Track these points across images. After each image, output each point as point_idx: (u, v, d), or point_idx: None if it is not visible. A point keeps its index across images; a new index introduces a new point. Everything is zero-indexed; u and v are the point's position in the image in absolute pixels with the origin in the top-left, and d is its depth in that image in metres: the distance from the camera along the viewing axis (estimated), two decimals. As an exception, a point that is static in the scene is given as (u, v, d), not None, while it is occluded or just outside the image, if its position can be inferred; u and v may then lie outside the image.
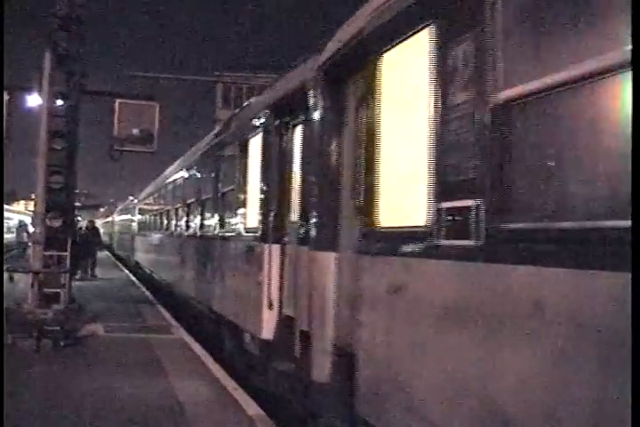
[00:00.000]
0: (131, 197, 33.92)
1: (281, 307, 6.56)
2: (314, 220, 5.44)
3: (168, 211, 15.77)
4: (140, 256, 22.41)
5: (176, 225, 14.25)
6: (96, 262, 22.01)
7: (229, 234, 8.79)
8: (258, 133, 7.49)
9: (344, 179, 5.07)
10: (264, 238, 6.91)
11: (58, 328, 9.01)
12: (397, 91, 4.12)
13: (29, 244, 14.03)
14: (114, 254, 37.52)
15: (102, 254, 29.67)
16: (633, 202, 2.03)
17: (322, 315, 5.12)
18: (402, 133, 4.04)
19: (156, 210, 18.81)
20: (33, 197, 12.54)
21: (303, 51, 6.67)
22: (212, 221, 10.09)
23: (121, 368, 7.60)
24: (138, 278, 21.36)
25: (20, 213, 43.87)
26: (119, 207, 40.94)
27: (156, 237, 18.24)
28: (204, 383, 7.12)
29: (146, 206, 22.51)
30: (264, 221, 7.00)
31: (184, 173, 13.50)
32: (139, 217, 24.66)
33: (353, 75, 4.95)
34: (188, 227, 12.53)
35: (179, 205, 13.79)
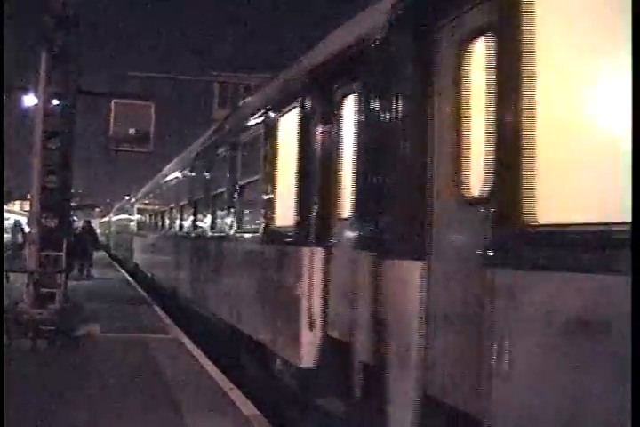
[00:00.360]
0: (127, 197, 33.80)
1: (326, 327, 5.28)
2: (380, 216, 4.25)
3: (171, 209, 14.33)
4: (140, 258, 21.13)
5: (180, 224, 12.85)
6: (92, 263, 21.95)
7: (252, 234, 7.40)
8: (292, 109, 6.12)
9: (436, 161, 3.78)
10: (302, 240, 5.60)
11: (53, 328, 8.99)
12: (572, 12, 2.74)
13: (25, 244, 14.01)
14: (110, 255, 37.42)
15: (99, 254, 29.59)
16: (633, 201, 2.01)
17: (401, 347, 3.87)
18: (593, 77, 2.65)
19: (158, 208, 17.34)
20: (29, 197, 12.52)
21: (301, 51, 6.62)
22: (228, 219, 8.59)
23: (116, 373, 7.56)
24: (135, 279, 21.23)
25: (15, 212, 43.77)
26: (116, 207, 40.83)
27: (157, 237, 16.83)
28: (203, 385, 7.09)
29: (146, 205, 21.10)
30: (302, 217, 5.68)
31: (191, 166, 12.13)
32: (138, 216, 23.52)
33: (458, 5, 3.58)
34: (195, 226, 11.17)
35: (184, 202, 12.42)
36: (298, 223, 5.76)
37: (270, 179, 6.71)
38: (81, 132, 13.53)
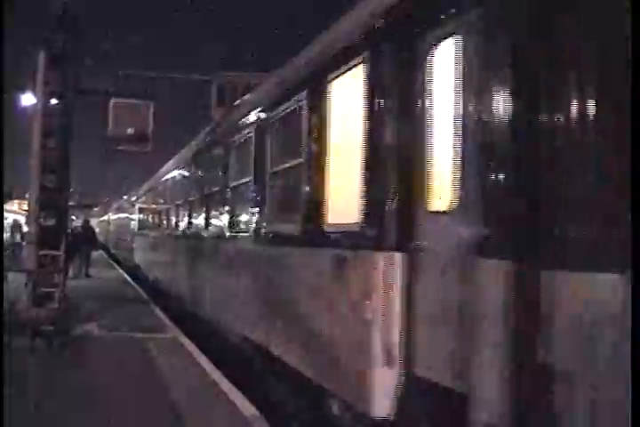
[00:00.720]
0: (125, 196, 33.63)
1: (412, 365, 3.90)
2: (529, 209, 2.97)
3: (178, 206, 12.95)
4: (142, 260, 19.82)
5: (189, 223, 11.48)
6: (90, 263, 21.94)
7: (289, 234, 5.91)
8: (351, 69, 4.71)
9: None
10: (373, 242, 4.21)
11: (52, 327, 8.99)
12: None
13: (23, 243, 14.00)
14: (109, 254, 37.33)
15: (97, 254, 29.57)
16: (633, 202, 2.00)
17: (601, 412, 2.53)
18: None
19: (163, 206, 15.79)
20: (27, 196, 12.51)
21: (297, 50, 6.58)
22: (253, 215, 7.03)
23: (114, 373, 7.56)
24: (135, 280, 21.12)
25: (14, 212, 43.76)
26: (115, 205, 40.65)
27: (162, 237, 15.26)
28: (201, 384, 7.09)
29: (149, 202, 19.55)
30: (371, 211, 4.28)
31: (202, 157, 10.64)
32: (139, 215, 22.31)
33: None
34: (208, 225, 9.69)
35: (195, 197, 10.99)
36: (365, 219, 4.35)
37: (318, 162, 5.23)
38: (79, 131, 13.50)
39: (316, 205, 5.21)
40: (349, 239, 4.58)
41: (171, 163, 15.35)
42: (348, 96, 4.81)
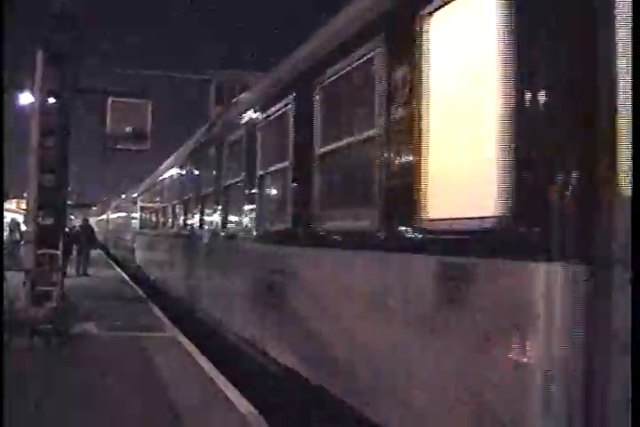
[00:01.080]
0: (124, 195, 33.51)
1: None
2: None
3: (189, 202, 11.49)
4: (144, 260, 18.67)
5: (202, 220, 10.08)
6: (88, 261, 21.95)
7: (355, 234, 4.47)
8: None
9: None
10: (526, 246, 2.78)
11: (50, 326, 8.99)
12: None
13: (21, 242, 14.00)
14: (108, 254, 37.28)
15: (95, 253, 29.56)
16: (633, 202, 2.00)
17: None
18: None
19: (170, 202, 14.00)
20: (25, 195, 12.51)
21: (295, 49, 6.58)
22: (295, 211, 5.60)
23: (112, 371, 7.55)
24: (136, 282, 20.98)
25: (12, 211, 43.71)
26: (113, 204, 40.48)
27: (168, 237, 13.95)
28: (199, 384, 7.08)
29: (154, 198, 17.74)
30: (522, 200, 2.81)
31: (219, 141, 9.00)
32: (142, 213, 20.95)
33: None
34: (228, 223, 8.35)
35: (209, 190, 9.55)
36: (511, 212, 2.86)
37: (408, 133, 3.70)
38: (77, 130, 13.51)
39: (404, 194, 3.71)
40: (477, 242, 3.10)
41: (179, 154, 13.83)
42: (462, 33, 3.39)
